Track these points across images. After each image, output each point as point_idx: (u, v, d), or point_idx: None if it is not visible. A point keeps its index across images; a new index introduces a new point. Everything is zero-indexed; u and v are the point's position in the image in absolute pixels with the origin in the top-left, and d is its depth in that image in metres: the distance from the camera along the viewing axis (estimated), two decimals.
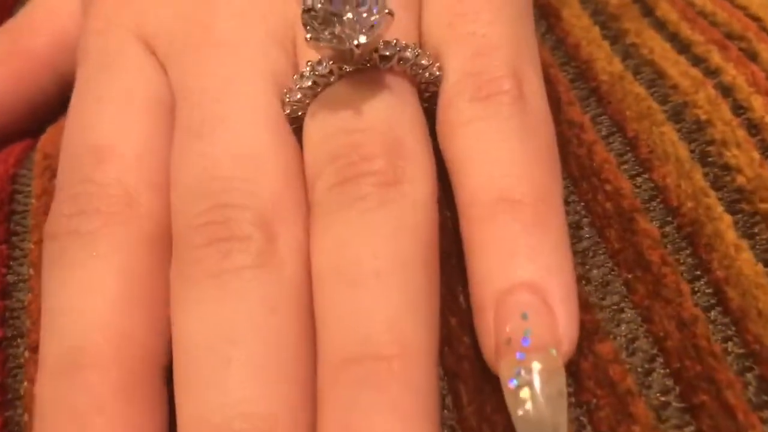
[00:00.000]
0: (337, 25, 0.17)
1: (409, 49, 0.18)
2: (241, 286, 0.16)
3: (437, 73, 0.19)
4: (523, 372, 0.15)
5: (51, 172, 0.21)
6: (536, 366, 0.15)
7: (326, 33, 0.17)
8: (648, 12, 0.22)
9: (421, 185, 0.17)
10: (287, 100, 0.18)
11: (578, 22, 0.22)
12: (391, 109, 0.18)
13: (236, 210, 0.17)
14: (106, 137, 0.19)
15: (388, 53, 0.18)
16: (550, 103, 0.19)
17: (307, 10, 0.17)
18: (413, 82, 0.19)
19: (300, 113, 0.18)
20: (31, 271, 0.19)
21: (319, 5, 0.17)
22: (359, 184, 0.17)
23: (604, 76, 0.21)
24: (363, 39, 0.17)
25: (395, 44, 0.18)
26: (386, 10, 0.17)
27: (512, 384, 0.15)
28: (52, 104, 0.24)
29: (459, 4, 0.19)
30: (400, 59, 0.18)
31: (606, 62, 0.21)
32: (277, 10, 0.19)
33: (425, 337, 0.16)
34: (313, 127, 0.18)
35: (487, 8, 0.19)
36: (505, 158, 0.17)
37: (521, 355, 0.15)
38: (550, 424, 0.15)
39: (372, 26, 0.17)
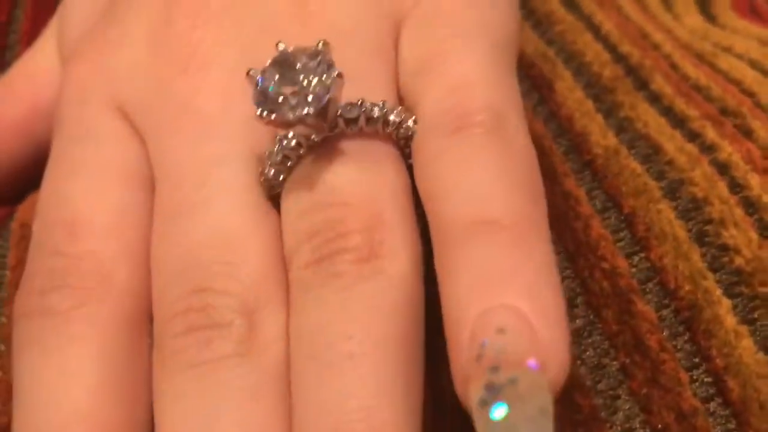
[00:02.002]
0: (288, 97, 0.17)
1: (377, 107, 0.17)
2: (222, 376, 0.16)
3: (413, 125, 0.18)
4: (494, 389, 0.13)
5: (27, 241, 0.20)
6: (511, 380, 0.13)
7: (278, 105, 0.17)
8: (642, 85, 0.22)
9: (400, 259, 0.16)
10: (263, 178, 0.18)
11: (571, 94, 0.22)
12: (367, 178, 0.17)
13: (216, 296, 0.16)
14: (79, 209, 0.18)
15: (353, 116, 0.17)
16: (544, 174, 0.18)
17: (256, 87, 0.17)
18: (390, 140, 0.18)
19: (278, 190, 0.18)
20: (2, 347, 0.19)
21: (266, 80, 0.17)
22: (335, 262, 0.16)
23: (598, 149, 0.21)
24: (313, 106, 0.16)
25: (360, 104, 0.17)
26: (335, 73, 0.17)
27: (479, 402, 0.13)
28: (30, 172, 0.23)
29: (428, 45, 0.18)
30: (368, 119, 0.17)
31: (600, 135, 0.21)
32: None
33: (404, 425, 0.15)
34: (288, 204, 0.17)
35: (459, 45, 0.18)
36: (481, 182, 0.16)
37: (493, 371, 0.13)
38: None
39: (324, 91, 0.17)
